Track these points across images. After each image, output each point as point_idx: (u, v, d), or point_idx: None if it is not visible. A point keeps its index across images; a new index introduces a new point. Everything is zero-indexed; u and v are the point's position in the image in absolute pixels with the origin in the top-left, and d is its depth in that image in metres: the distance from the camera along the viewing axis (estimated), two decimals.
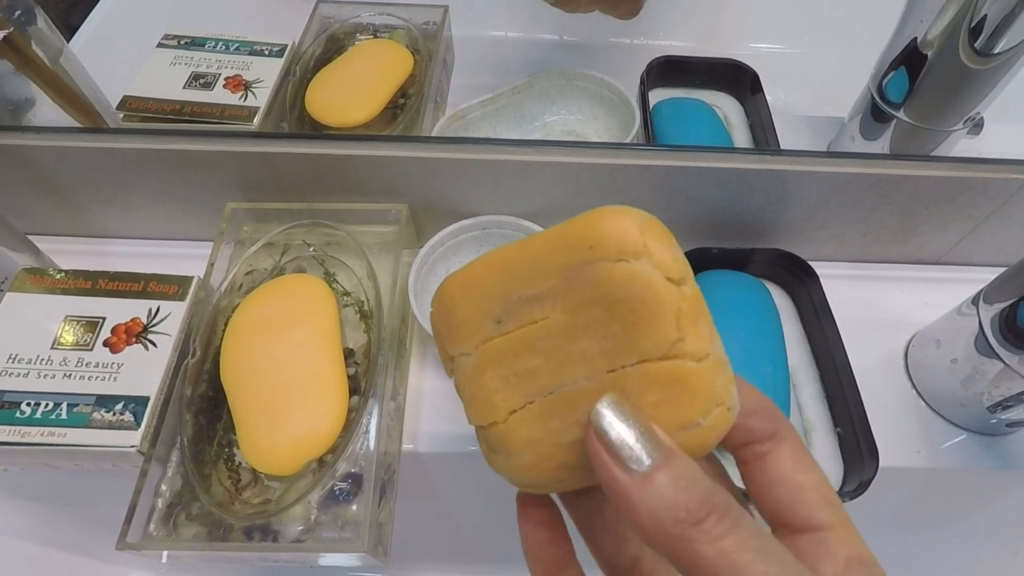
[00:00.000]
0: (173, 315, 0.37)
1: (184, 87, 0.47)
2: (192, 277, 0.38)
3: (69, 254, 0.43)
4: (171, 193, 0.42)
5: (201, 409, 0.34)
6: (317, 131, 0.46)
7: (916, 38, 0.39)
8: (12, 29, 0.39)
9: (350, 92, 0.48)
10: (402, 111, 0.49)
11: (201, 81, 0.48)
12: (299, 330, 0.35)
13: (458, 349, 0.20)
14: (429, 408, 0.39)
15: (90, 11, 0.54)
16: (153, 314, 0.37)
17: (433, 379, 0.40)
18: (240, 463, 0.34)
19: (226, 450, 0.34)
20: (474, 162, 0.39)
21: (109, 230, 0.45)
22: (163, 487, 0.32)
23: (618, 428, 0.17)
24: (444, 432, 0.38)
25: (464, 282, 0.21)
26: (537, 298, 0.19)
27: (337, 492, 0.32)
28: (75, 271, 0.38)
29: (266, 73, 0.49)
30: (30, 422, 0.33)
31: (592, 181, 0.40)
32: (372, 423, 0.34)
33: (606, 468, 0.16)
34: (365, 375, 0.36)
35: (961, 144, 0.42)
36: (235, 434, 0.34)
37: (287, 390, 0.34)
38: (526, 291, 0.19)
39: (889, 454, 0.36)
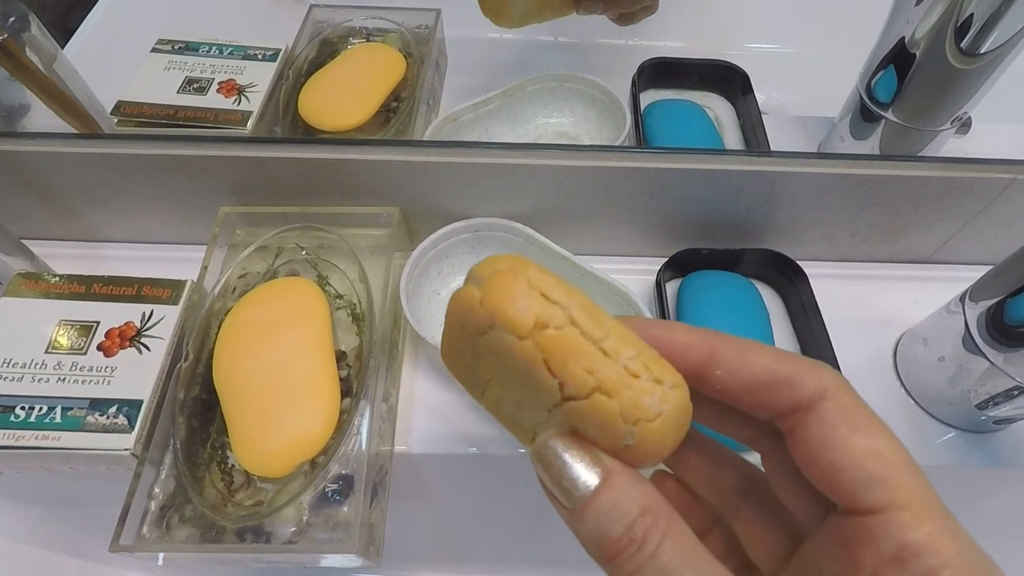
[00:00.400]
0: (167, 319, 0.37)
1: (178, 92, 0.48)
2: (186, 281, 0.38)
3: (64, 258, 0.44)
4: (165, 198, 0.42)
5: (194, 412, 0.35)
6: (310, 135, 0.47)
7: (903, 38, 0.39)
8: (6, 35, 0.39)
9: (343, 96, 0.49)
10: (395, 114, 0.49)
11: (195, 86, 0.48)
12: (292, 333, 0.36)
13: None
14: (422, 409, 0.39)
15: (86, 15, 0.54)
16: (147, 318, 0.37)
17: (426, 380, 0.40)
18: (233, 465, 0.34)
19: (219, 452, 0.34)
20: (465, 165, 0.40)
21: (104, 234, 0.45)
22: (156, 489, 0.32)
23: (550, 470, 0.18)
24: (437, 433, 0.38)
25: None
26: (479, 355, 0.20)
27: (328, 493, 0.32)
28: (69, 276, 0.38)
29: (260, 77, 0.49)
30: (24, 426, 0.33)
31: (583, 183, 0.40)
32: (364, 425, 0.34)
33: (553, 502, 0.18)
34: (357, 377, 0.36)
35: (949, 143, 0.43)
36: (228, 436, 0.34)
37: (279, 393, 0.34)
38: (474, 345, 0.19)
39: None
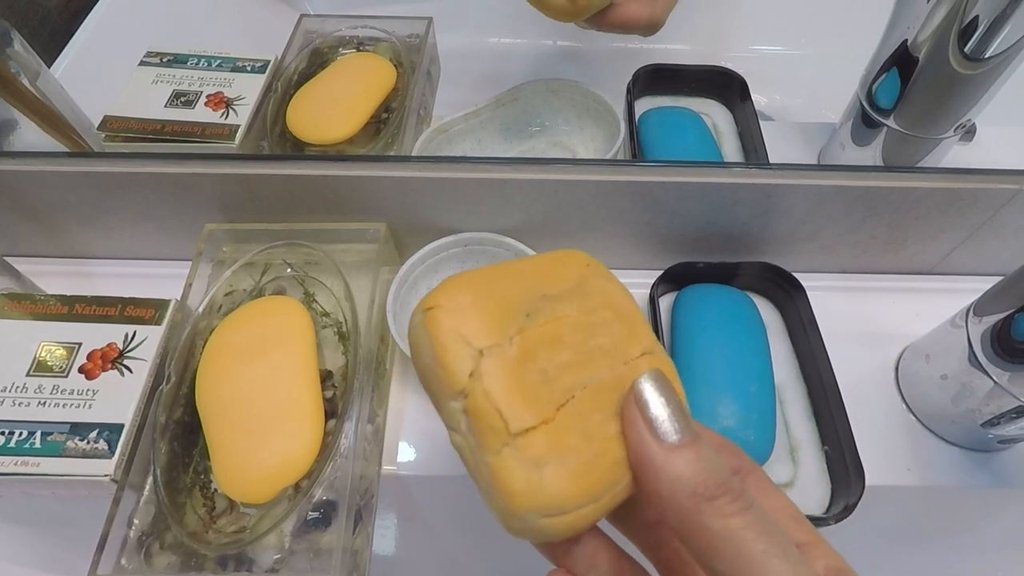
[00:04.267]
0: (149, 339, 0.36)
1: (166, 105, 0.47)
2: (170, 300, 0.38)
3: (50, 275, 0.43)
4: (150, 215, 0.41)
5: (176, 435, 0.34)
6: (299, 148, 0.46)
7: (905, 41, 0.38)
8: None
9: (331, 108, 0.48)
10: (384, 125, 0.48)
11: (183, 99, 0.47)
12: (275, 353, 0.35)
13: (491, 340, 0.19)
14: (411, 429, 0.39)
15: (75, 31, 0.54)
16: (129, 339, 0.36)
17: (415, 399, 0.40)
18: (216, 490, 0.33)
19: (202, 477, 0.34)
20: (453, 180, 0.39)
21: (89, 251, 0.45)
22: (135, 517, 0.32)
23: (656, 402, 0.18)
24: (426, 454, 0.37)
25: (478, 280, 0.20)
26: (557, 298, 0.21)
27: (310, 520, 0.31)
28: (53, 296, 0.37)
29: (248, 90, 0.48)
30: (3, 451, 0.32)
31: (573, 197, 0.39)
32: (348, 447, 0.33)
33: (639, 434, 0.18)
34: (343, 398, 0.35)
35: (953, 151, 0.41)
36: (210, 461, 0.34)
37: (262, 415, 0.33)
38: (547, 290, 0.21)
39: (878, 472, 0.35)
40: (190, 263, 0.39)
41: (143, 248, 0.44)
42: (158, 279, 0.44)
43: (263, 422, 0.33)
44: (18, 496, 0.35)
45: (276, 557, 0.31)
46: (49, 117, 0.44)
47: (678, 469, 0.17)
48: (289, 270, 0.40)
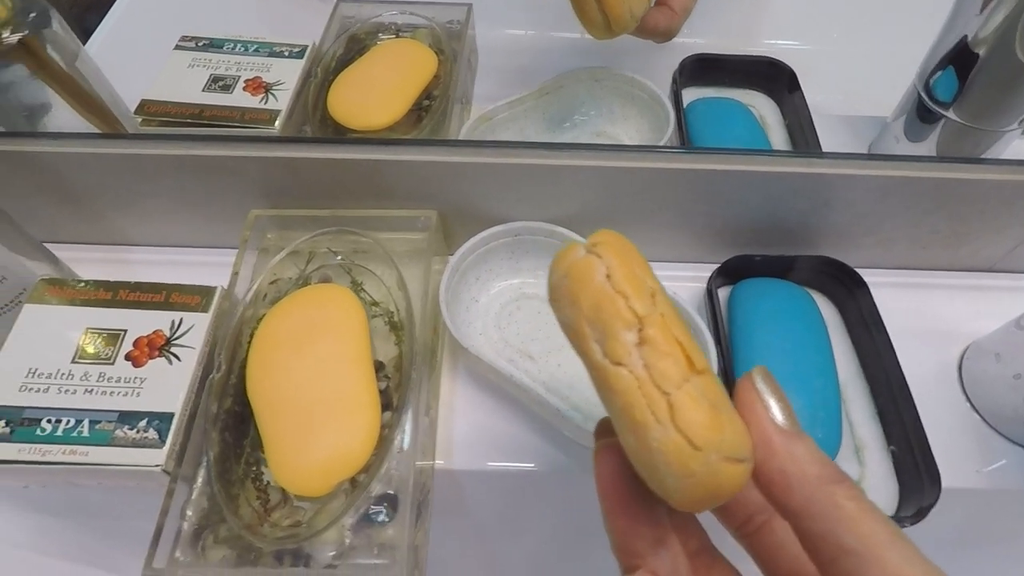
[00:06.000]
0: (196, 327, 0.35)
1: (203, 90, 0.46)
2: (215, 287, 0.37)
3: (88, 262, 0.42)
4: (192, 200, 0.40)
5: (227, 426, 0.33)
6: (340, 134, 0.45)
7: (966, 36, 0.37)
8: (27, 32, 0.38)
9: (373, 94, 0.47)
10: (426, 113, 0.47)
11: (220, 84, 0.46)
12: (328, 342, 0.34)
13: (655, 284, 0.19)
14: (461, 422, 0.38)
15: (105, 13, 0.53)
16: (176, 326, 0.35)
17: (465, 391, 0.39)
18: (268, 483, 0.32)
19: (253, 469, 0.33)
20: (504, 166, 0.38)
21: (128, 237, 0.44)
22: (188, 509, 0.31)
23: (767, 392, 0.19)
24: (478, 447, 0.36)
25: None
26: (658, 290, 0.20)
27: (372, 514, 0.30)
28: (95, 281, 0.36)
29: (286, 75, 0.47)
30: (51, 440, 0.31)
31: (630, 186, 0.38)
32: (406, 440, 0.32)
33: (759, 416, 0.18)
34: (397, 389, 0.34)
35: (1016, 144, 0.40)
36: (263, 452, 0.33)
37: (317, 406, 0.32)
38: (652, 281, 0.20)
39: (946, 474, 0.34)
40: (232, 252, 0.38)
41: (183, 235, 0.43)
42: (200, 267, 0.43)
43: (319, 413, 0.32)
44: (62, 486, 0.34)
45: (334, 552, 0.30)
46: (86, 100, 0.43)
47: (801, 451, 0.18)
48: (338, 258, 0.39)
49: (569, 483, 0.36)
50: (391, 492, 0.31)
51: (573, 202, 0.40)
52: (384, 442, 0.32)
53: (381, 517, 0.30)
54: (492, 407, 0.38)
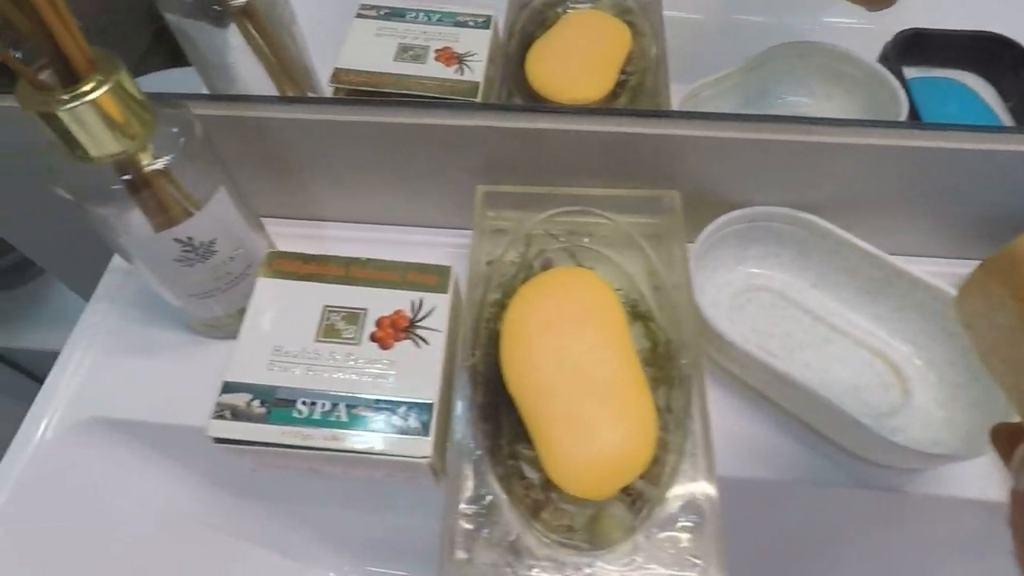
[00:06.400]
0: (438, 309, 0.33)
1: (394, 60, 0.43)
2: (450, 267, 0.34)
3: (285, 237, 0.40)
4: (409, 173, 0.38)
5: (485, 417, 0.31)
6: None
7: None
8: None
9: (576, 67, 0.44)
10: (623, 88, 0.44)
11: (410, 53, 0.44)
12: (589, 331, 0.31)
13: None
14: (719, 424, 0.35)
15: None
16: (417, 307, 0.33)
17: (719, 389, 0.36)
18: (532, 481, 0.30)
19: (513, 465, 0.31)
20: (759, 142, 0.34)
21: (326, 213, 0.42)
22: (463, 506, 0.28)
23: None
24: (739, 453, 0.34)
25: None
26: None
27: (669, 521, 0.28)
28: (326, 256, 0.34)
29: (476, 46, 0.44)
30: (310, 423, 0.29)
31: (903, 167, 0.35)
32: (688, 440, 0.30)
33: None
34: (658, 385, 0.32)
35: None
36: (526, 447, 0.30)
37: (590, 401, 0.30)
38: None
39: None
40: (440, 231, 0.36)
41: (387, 212, 0.41)
42: (399, 247, 0.41)
43: (593, 409, 0.29)
44: (297, 471, 0.32)
45: (625, 560, 0.27)
46: (291, 69, 0.41)
47: None
48: (565, 240, 0.36)
49: (838, 496, 0.33)
50: (687, 498, 0.28)
51: (830, 185, 0.36)
52: (663, 443, 0.30)
53: (682, 526, 0.27)
54: (751, 408, 0.35)
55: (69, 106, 0.25)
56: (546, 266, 0.37)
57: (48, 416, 0.36)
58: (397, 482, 0.32)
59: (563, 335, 0.31)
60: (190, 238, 0.31)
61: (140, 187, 0.28)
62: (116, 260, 0.42)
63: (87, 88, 0.25)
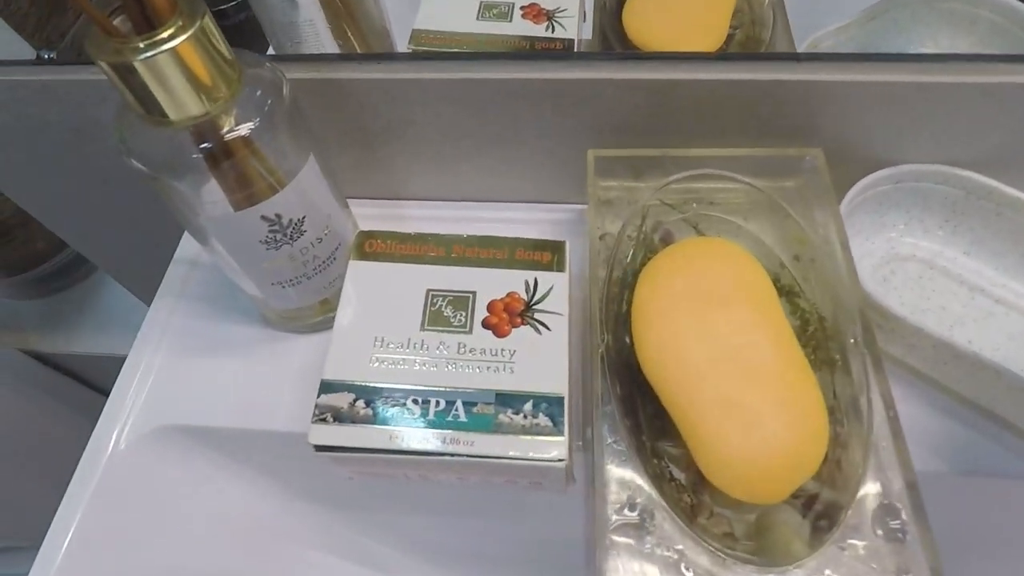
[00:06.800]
0: (557, 289, 0.29)
1: (477, 19, 0.39)
2: (563, 242, 0.30)
3: (364, 219, 0.36)
4: (503, 140, 0.34)
5: (625, 411, 0.26)
6: None
7: None
8: None
9: (681, 17, 0.39)
10: (728, 42, 0.40)
11: (495, 12, 0.39)
12: (737, 309, 0.27)
13: None
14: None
15: None
16: (532, 288, 0.29)
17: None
18: (681, 482, 0.26)
19: (659, 464, 0.26)
20: (912, 86, 0.30)
21: (409, 190, 0.38)
22: (614, 516, 0.24)
23: None
24: (920, 447, 0.29)
25: None
26: None
27: (862, 529, 0.23)
28: (422, 235, 0.30)
29: (565, 1, 0.40)
30: (424, 424, 0.25)
31: None
32: (869, 432, 0.25)
33: None
34: (819, 368, 0.27)
35: None
36: (671, 443, 0.26)
37: (748, 386, 0.25)
38: None
39: None
40: (538, 206, 0.32)
41: (480, 187, 0.37)
42: (501, 225, 0.37)
43: (754, 396, 0.25)
44: (406, 478, 0.28)
45: None
46: (363, 25, 0.37)
47: None
48: (694, 206, 0.32)
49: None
50: (885, 499, 0.24)
51: (988, 136, 0.31)
52: (840, 437, 0.25)
53: (897, 534, 0.23)
54: (909, 398, 0.30)
55: (146, 55, 0.21)
56: (667, 239, 0.32)
57: (119, 426, 0.32)
58: (518, 488, 0.28)
59: (708, 314, 0.27)
60: (279, 216, 0.27)
61: (221, 157, 0.24)
62: (181, 251, 0.38)
63: (167, 34, 0.22)
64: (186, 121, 0.23)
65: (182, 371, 0.34)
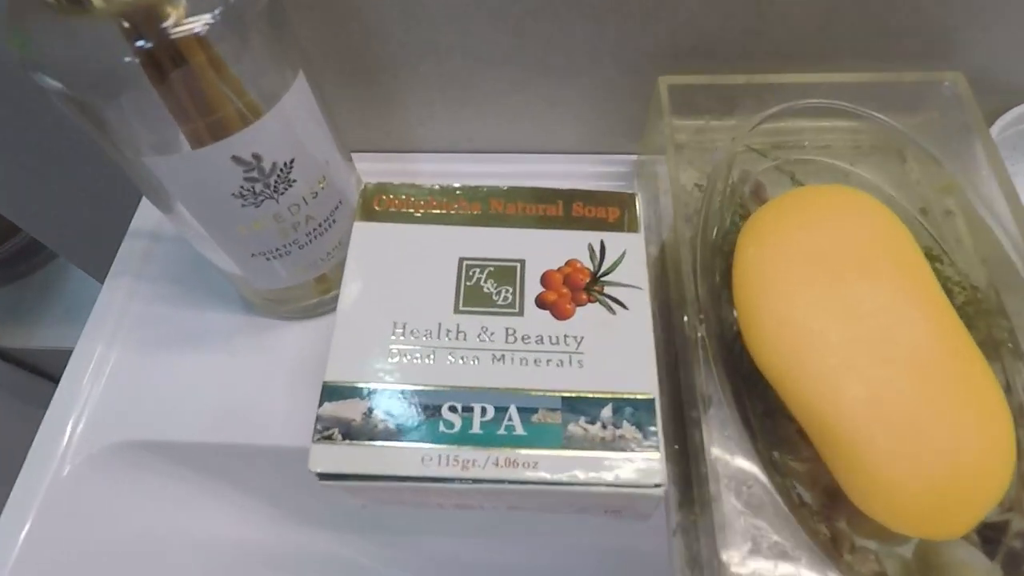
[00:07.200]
0: (631, 255, 0.22)
1: None
2: (634, 194, 0.23)
3: (369, 175, 0.29)
4: (544, 68, 0.26)
5: (744, 417, 0.20)
6: None
7: None
8: None
9: None
10: None
11: None
12: (880, 281, 0.20)
13: None
14: None
15: None
16: (599, 253, 0.22)
17: None
18: (811, 507, 0.19)
19: (782, 484, 0.20)
20: None
21: (424, 140, 0.30)
22: (734, 559, 0.18)
23: None
24: None
25: None
26: None
27: None
28: (448, 188, 0.23)
29: None
30: (467, 440, 0.18)
31: None
32: None
33: None
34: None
35: None
36: (792, 456, 0.19)
37: (908, 384, 0.19)
38: None
39: None
40: (584, 157, 0.25)
41: (512, 133, 0.29)
42: (540, 180, 0.30)
43: (915, 395, 0.18)
44: (438, 507, 0.21)
45: None
46: None
47: None
48: (805, 149, 0.25)
49: None
50: None
51: None
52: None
53: None
54: None
55: None
56: (759, 193, 0.25)
57: (62, 445, 0.25)
58: (590, 515, 0.21)
59: (843, 284, 0.20)
60: (257, 156, 0.19)
61: (167, 64, 0.17)
62: (137, 221, 0.31)
63: None
64: (114, 6, 0.16)
65: (143, 371, 0.27)
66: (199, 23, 0.17)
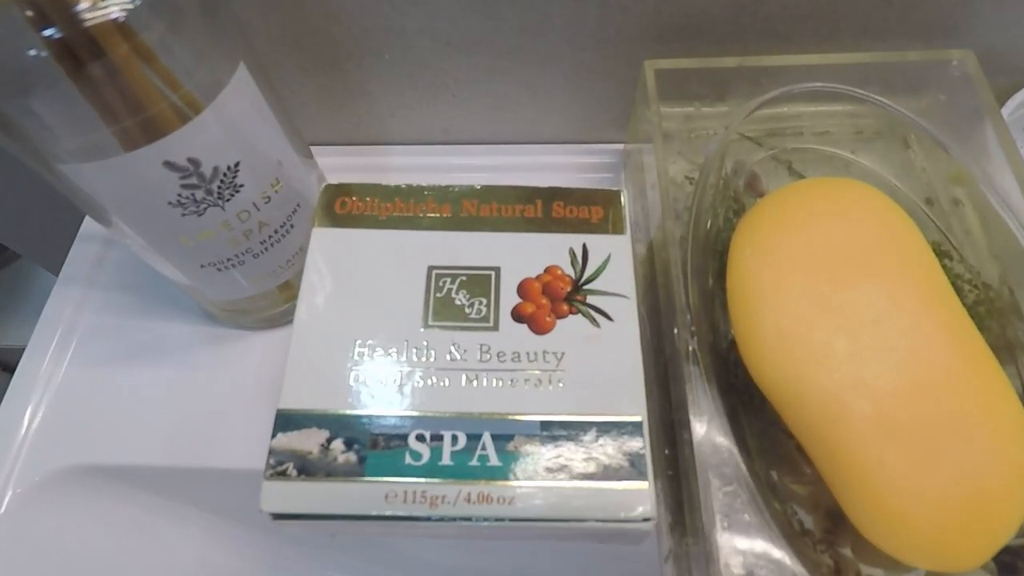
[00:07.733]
0: (617, 259, 0.20)
1: None
2: (619, 191, 0.21)
3: (332, 172, 0.27)
4: (522, 53, 0.24)
5: (740, 438, 0.18)
6: None
7: None
8: None
9: None
10: None
11: None
12: (887, 283, 0.18)
13: None
14: None
15: None
16: (580, 258, 0.20)
17: None
18: (814, 534, 0.18)
19: (781, 510, 0.18)
20: None
21: (393, 132, 0.28)
22: None
23: None
24: None
25: None
26: None
27: None
28: (417, 188, 0.21)
29: None
30: (437, 473, 0.17)
31: None
32: None
33: None
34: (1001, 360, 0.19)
35: None
36: (792, 477, 0.18)
37: (920, 400, 0.17)
38: None
39: None
40: (564, 147, 0.23)
41: (487, 123, 0.27)
42: (518, 174, 0.28)
43: (931, 417, 0.17)
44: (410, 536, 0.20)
45: None
46: None
47: None
48: (810, 139, 0.23)
49: None
50: None
51: None
52: None
53: None
54: None
55: None
56: (753, 185, 0.24)
57: (4, 469, 0.23)
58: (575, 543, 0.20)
59: (846, 287, 0.18)
60: (193, 161, 0.17)
61: (84, 55, 0.15)
62: (88, 223, 0.29)
63: None
64: None
65: (94, 388, 0.25)
66: (117, 7, 0.15)
